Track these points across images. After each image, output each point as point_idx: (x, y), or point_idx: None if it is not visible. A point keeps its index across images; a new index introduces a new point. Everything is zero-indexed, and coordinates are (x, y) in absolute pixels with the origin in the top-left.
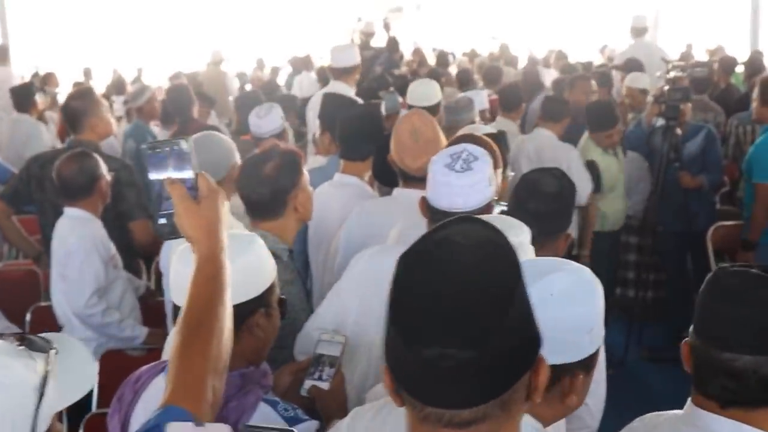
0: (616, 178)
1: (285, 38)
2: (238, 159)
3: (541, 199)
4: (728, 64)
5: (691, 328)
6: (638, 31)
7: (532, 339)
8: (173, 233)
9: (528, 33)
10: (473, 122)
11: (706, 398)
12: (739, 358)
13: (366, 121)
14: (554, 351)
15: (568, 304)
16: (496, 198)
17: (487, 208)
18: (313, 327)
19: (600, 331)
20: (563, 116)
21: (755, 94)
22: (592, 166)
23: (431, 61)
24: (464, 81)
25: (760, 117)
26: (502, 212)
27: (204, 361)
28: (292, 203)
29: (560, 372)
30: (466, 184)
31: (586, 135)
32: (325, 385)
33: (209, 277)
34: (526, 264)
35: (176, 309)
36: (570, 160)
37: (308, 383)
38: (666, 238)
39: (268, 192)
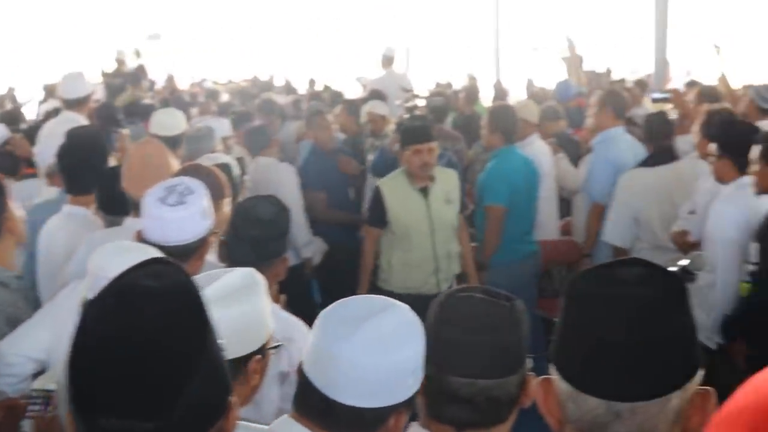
0: (424, 226)
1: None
2: None
3: (257, 226)
4: (472, 93)
5: None
6: (387, 61)
7: (223, 390)
8: None
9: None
10: (213, 151)
11: (440, 423)
12: (473, 384)
13: (88, 152)
14: (383, 394)
15: (395, 347)
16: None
17: (203, 242)
18: (13, 351)
19: (422, 369)
20: (267, 144)
21: (484, 122)
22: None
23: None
24: (222, 109)
25: (489, 144)
26: (222, 241)
27: None
28: (5, 226)
29: (387, 414)
30: (179, 218)
31: (399, 170)
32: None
33: None
34: (349, 305)
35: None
36: (288, 181)
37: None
38: None
39: None
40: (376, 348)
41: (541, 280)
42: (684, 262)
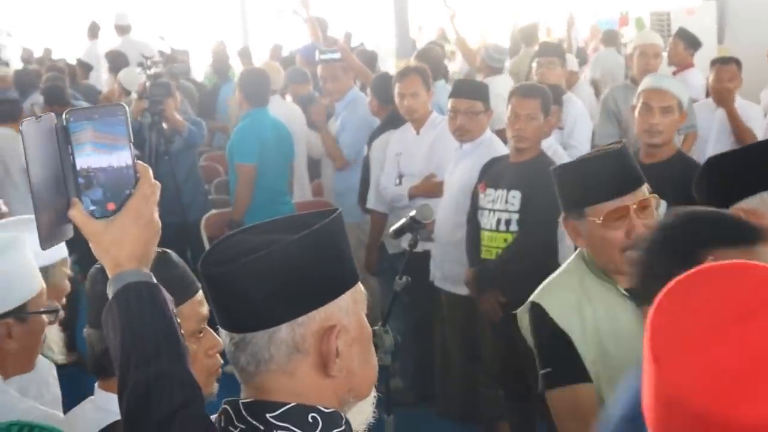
0: None
1: None
2: None
3: None
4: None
5: None
6: (122, 29)
7: None
8: None
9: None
10: None
11: None
12: None
13: None
14: None
15: None
16: None
17: None
18: None
19: None
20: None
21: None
22: None
23: None
24: None
25: (241, 107)
26: None
27: None
28: None
29: None
30: None
31: None
32: None
33: None
34: None
35: None
36: None
37: None
38: (163, 230)
39: None
40: None
41: None
42: (413, 213)
